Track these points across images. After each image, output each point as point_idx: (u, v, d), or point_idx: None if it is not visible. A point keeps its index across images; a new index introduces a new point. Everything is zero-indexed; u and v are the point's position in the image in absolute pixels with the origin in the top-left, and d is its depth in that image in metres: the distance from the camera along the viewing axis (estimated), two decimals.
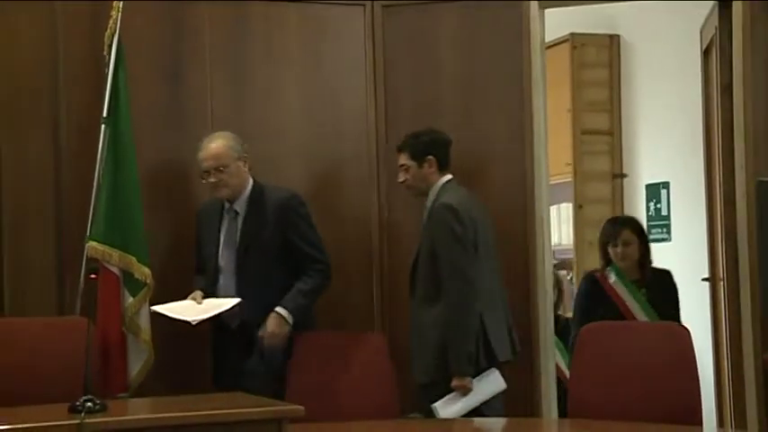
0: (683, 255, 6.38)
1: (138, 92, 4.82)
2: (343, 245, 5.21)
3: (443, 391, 4.26)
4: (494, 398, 4.32)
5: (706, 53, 5.70)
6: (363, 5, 5.37)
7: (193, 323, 4.23)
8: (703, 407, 4.02)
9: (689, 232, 6.23)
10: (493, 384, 4.34)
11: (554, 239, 6.17)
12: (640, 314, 4.89)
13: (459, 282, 4.32)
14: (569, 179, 7.27)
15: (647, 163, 7.22)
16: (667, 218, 6.93)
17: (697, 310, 5.57)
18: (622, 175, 7.33)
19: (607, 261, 5.13)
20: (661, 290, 5.03)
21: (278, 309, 4.37)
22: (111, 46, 4.67)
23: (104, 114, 4.62)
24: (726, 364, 5.29)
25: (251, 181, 4.58)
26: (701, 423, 3.93)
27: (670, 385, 3.91)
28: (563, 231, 7.47)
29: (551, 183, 5.64)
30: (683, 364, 3.96)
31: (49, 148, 4.83)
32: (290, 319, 4.36)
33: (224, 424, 3.28)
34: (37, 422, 3.13)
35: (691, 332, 4.11)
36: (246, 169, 4.54)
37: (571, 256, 7.22)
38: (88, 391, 3.24)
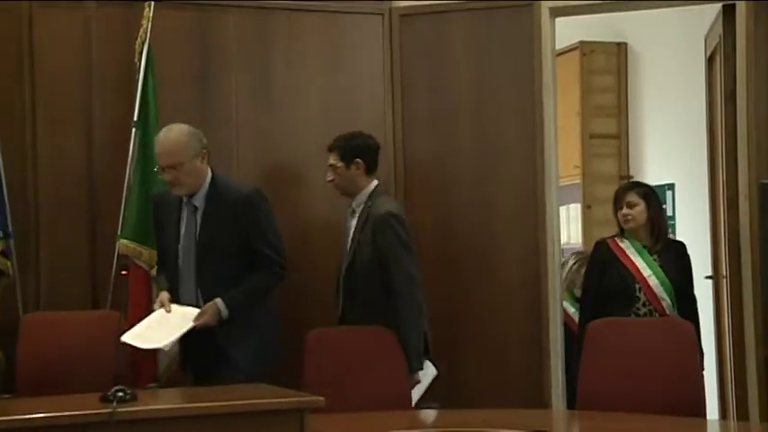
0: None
1: (166, 95, 4.84)
2: None
3: None
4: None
5: (710, 60, 5.69)
6: (381, 14, 5.38)
7: (165, 349, 4.04)
8: (706, 399, 4.01)
9: (693, 232, 6.20)
10: (430, 373, 4.43)
11: (563, 238, 6.14)
12: (652, 278, 4.77)
13: (411, 286, 4.36)
14: (578, 181, 7.26)
15: (652, 165, 7.20)
16: (672, 218, 6.90)
17: (701, 307, 5.54)
18: (629, 177, 7.30)
19: (621, 229, 5.01)
20: (674, 257, 4.85)
21: (218, 301, 4.03)
22: (141, 53, 4.71)
23: (135, 118, 4.66)
24: (728, 357, 5.28)
25: (209, 175, 4.18)
26: (704, 414, 3.92)
27: (675, 378, 3.90)
28: (572, 230, 7.45)
29: (561, 184, 5.64)
30: (688, 357, 3.95)
31: (82, 150, 4.86)
32: (225, 314, 4.02)
33: (250, 414, 3.27)
34: (70, 410, 3.13)
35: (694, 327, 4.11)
36: (205, 164, 4.15)
37: None
38: (119, 381, 3.24)
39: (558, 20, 5.37)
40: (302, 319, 4.68)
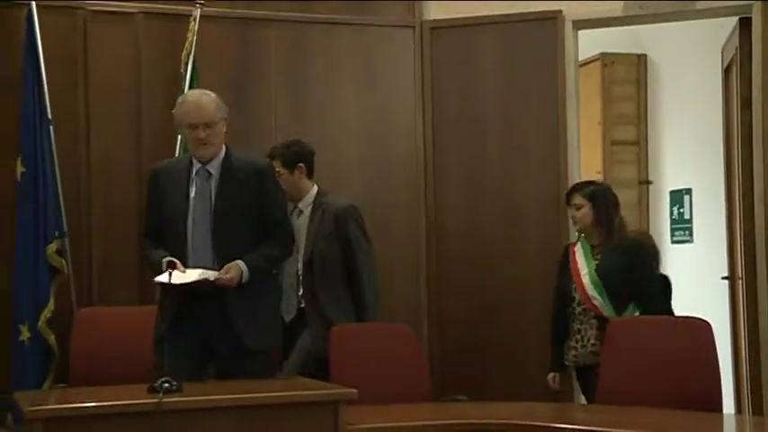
0: (704, 255, 6.32)
1: None
2: (394, 245, 5.25)
3: None
4: None
5: (727, 71, 5.65)
6: (413, 27, 5.39)
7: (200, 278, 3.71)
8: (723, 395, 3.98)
9: (710, 234, 6.16)
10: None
11: None
12: (586, 276, 4.55)
13: (372, 277, 4.44)
14: None
15: (671, 171, 7.15)
16: (690, 221, 6.86)
17: (717, 306, 5.51)
18: (648, 182, 7.27)
19: None
20: (618, 256, 4.58)
21: (240, 263, 3.78)
22: (187, 64, 4.75)
23: None
24: (744, 355, 5.23)
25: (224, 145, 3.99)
26: (721, 410, 3.88)
27: (692, 375, 3.87)
28: None
29: None
30: (705, 355, 3.91)
31: (132, 155, 4.91)
32: (246, 277, 3.77)
33: (288, 405, 3.28)
34: (119, 400, 3.15)
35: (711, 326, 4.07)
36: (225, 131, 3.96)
37: None
38: (166, 373, 3.26)
39: (580, 32, 5.37)
40: None
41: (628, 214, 6.86)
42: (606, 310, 4.47)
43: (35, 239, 4.49)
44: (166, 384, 3.18)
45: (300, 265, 4.42)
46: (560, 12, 5.27)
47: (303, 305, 4.43)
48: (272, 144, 4.98)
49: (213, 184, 3.85)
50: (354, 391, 3.32)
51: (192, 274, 3.69)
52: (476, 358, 5.17)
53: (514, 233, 5.27)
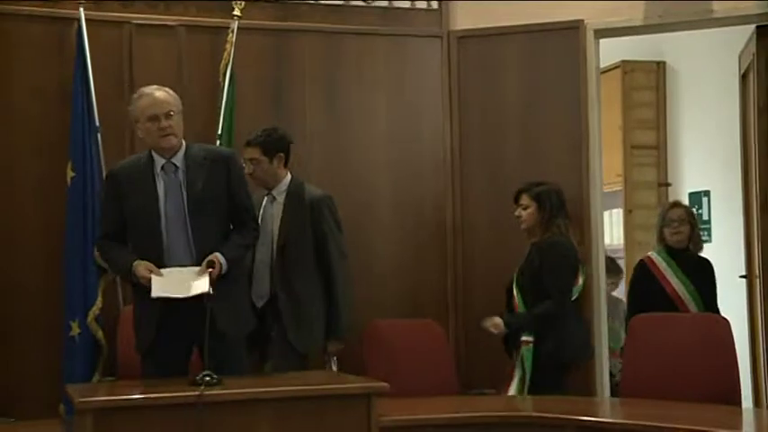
0: (722, 255, 6.24)
1: (246, 110, 4.91)
2: (422, 245, 5.26)
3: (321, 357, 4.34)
4: None
5: (744, 77, 5.61)
6: (440, 37, 5.39)
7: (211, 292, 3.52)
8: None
9: (728, 235, 6.11)
10: None
11: (606, 240, 6.08)
12: (515, 276, 4.69)
13: (344, 262, 4.38)
14: (620, 188, 7.19)
15: (689, 173, 7.11)
16: (708, 222, 6.81)
17: (735, 304, 5.47)
18: (667, 185, 7.23)
19: None
20: (540, 255, 4.62)
21: (218, 255, 3.63)
22: (225, 74, 4.78)
23: (218, 131, 4.72)
24: (761, 351, 5.18)
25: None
26: (739, 403, 3.86)
27: (712, 370, 3.85)
28: (614, 233, 7.37)
29: (604, 191, 5.59)
30: (724, 351, 3.89)
31: None
32: (225, 269, 3.63)
33: (323, 397, 3.30)
34: (164, 393, 3.18)
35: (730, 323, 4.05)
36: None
37: (621, 254, 7.13)
38: (207, 367, 3.28)
39: (601, 41, 5.34)
40: (371, 308, 4.73)
41: (648, 215, 6.87)
42: (520, 307, 4.57)
43: (84, 241, 4.52)
44: (207, 378, 3.21)
45: (273, 252, 4.27)
46: (582, 21, 5.24)
47: (276, 291, 4.24)
48: (306, 149, 5.04)
49: (181, 176, 3.71)
50: (386, 384, 3.34)
51: (180, 280, 3.54)
52: (501, 353, 5.14)
53: None
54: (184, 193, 3.68)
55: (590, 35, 5.25)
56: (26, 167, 4.69)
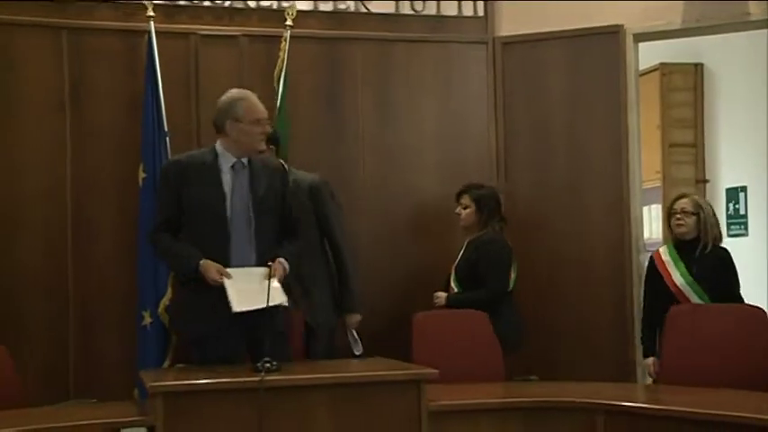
0: (758, 247, 6.18)
1: (303, 114, 4.93)
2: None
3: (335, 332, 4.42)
4: None
5: None
6: (486, 43, 5.36)
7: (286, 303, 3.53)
8: None
9: (764, 228, 6.01)
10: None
11: (645, 234, 6.00)
12: (452, 275, 4.71)
13: (347, 238, 4.45)
14: (659, 184, 7.11)
15: (726, 170, 7.00)
16: (745, 216, 6.70)
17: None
18: (705, 181, 7.13)
19: None
20: (474, 250, 4.62)
21: (283, 261, 3.60)
22: (279, 80, 4.79)
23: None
24: None
25: None
26: None
27: (748, 358, 3.77)
28: (653, 227, 7.29)
29: (644, 187, 5.54)
30: (760, 339, 3.81)
31: None
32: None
33: (376, 383, 3.30)
34: (227, 378, 3.20)
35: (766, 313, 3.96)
36: None
37: None
38: (267, 355, 3.29)
39: (640, 44, 5.28)
40: (420, 301, 4.72)
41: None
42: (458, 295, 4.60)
43: None
44: (268, 365, 3.22)
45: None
46: (622, 26, 5.19)
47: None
48: (359, 151, 5.06)
49: (247, 177, 3.65)
50: (436, 371, 3.32)
51: (254, 290, 3.43)
52: (545, 341, 5.12)
53: (580, 228, 5.21)
54: (250, 193, 3.63)
55: (629, 39, 5.20)
56: (104, 169, 4.77)
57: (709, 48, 6.92)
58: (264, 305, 3.40)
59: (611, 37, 5.20)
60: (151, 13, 4.70)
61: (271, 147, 4.23)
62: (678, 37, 5.45)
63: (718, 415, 3.08)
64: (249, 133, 3.64)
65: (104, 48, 4.81)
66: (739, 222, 6.76)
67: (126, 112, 4.78)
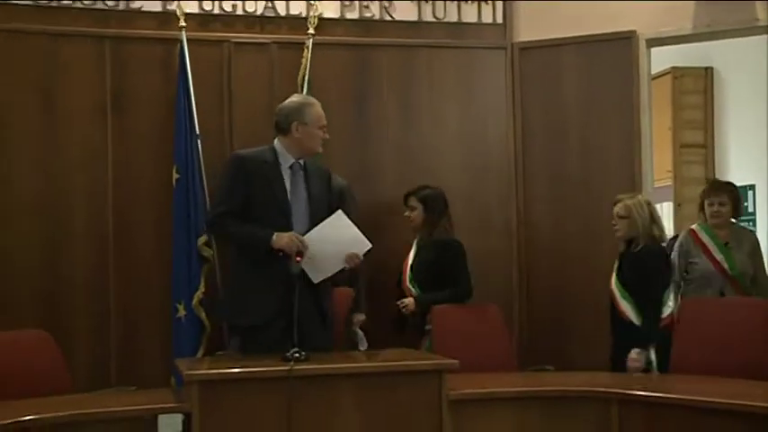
0: (766, 243, 6.07)
1: (331, 118, 4.82)
2: (490, 236, 5.20)
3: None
4: None
5: None
6: (505, 48, 5.32)
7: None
8: None
9: None
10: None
11: None
12: (408, 274, 4.57)
13: None
14: (670, 183, 7.07)
15: (735, 169, 6.92)
16: (753, 213, 6.64)
17: None
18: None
19: None
20: (426, 251, 4.52)
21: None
22: (302, 85, 4.79)
23: None
24: None
25: None
26: None
27: (755, 348, 3.71)
28: (665, 225, 7.24)
29: (656, 186, 5.52)
30: (766, 330, 3.75)
31: None
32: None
33: (399, 373, 3.29)
34: (258, 368, 3.20)
35: None
36: None
37: None
38: (297, 345, 3.28)
39: (653, 49, 5.22)
40: None
41: (696, 209, 6.70)
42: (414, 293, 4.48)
43: (188, 233, 4.58)
44: (297, 355, 3.22)
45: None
46: (635, 32, 5.13)
47: None
48: (385, 152, 5.05)
49: (303, 177, 3.69)
50: (456, 361, 3.31)
51: (322, 249, 3.48)
52: (559, 333, 5.09)
53: (593, 226, 5.13)
54: (308, 192, 3.67)
55: (642, 44, 5.13)
56: (143, 170, 4.78)
57: (719, 52, 6.85)
58: (340, 265, 3.54)
59: (624, 42, 5.13)
60: (183, 24, 4.71)
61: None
62: (689, 42, 5.38)
63: (727, 404, 3.05)
64: (314, 137, 3.67)
65: (144, 55, 4.82)
66: (748, 219, 6.68)
67: (163, 116, 4.77)
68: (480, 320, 4.33)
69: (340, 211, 3.59)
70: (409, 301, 4.46)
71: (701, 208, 4.67)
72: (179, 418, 3.07)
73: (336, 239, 3.56)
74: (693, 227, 4.65)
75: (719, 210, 4.53)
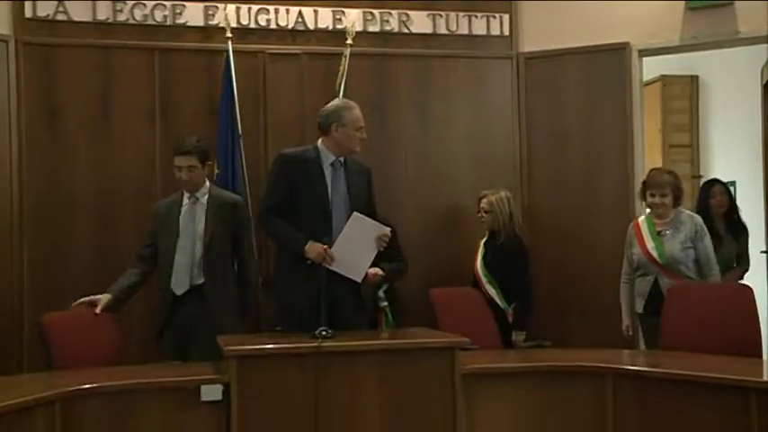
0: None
1: None
2: None
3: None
4: None
5: (766, 87, 5.33)
6: (511, 58, 5.27)
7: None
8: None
9: (752, 217, 5.81)
10: None
11: None
12: None
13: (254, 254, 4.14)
14: None
15: (718, 167, 6.85)
16: (735, 208, 6.53)
17: (758, 276, 5.22)
18: (699, 176, 7.00)
19: None
20: None
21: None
22: (339, 91, 4.75)
23: None
24: None
25: None
26: (761, 356, 3.66)
27: (737, 328, 3.65)
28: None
29: None
30: (748, 312, 3.68)
31: None
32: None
33: (416, 349, 3.25)
34: (290, 344, 3.19)
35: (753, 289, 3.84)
36: None
37: None
38: (324, 324, 3.26)
39: (644, 59, 5.17)
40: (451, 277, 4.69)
41: (684, 202, 6.62)
42: None
43: None
44: (324, 333, 3.20)
45: (200, 247, 3.77)
46: (628, 43, 5.08)
47: (202, 282, 3.75)
48: (403, 152, 5.00)
49: (344, 174, 3.62)
50: (467, 339, 3.27)
51: (351, 250, 3.42)
52: (561, 313, 5.05)
53: (591, 216, 5.12)
54: (348, 189, 3.59)
55: (635, 55, 5.09)
56: None
57: (703, 62, 6.78)
58: (374, 252, 3.46)
59: (618, 53, 5.09)
60: (229, 35, 4.70)
61: (208, 162, 3.92)
62: (676, 53, 5.33)
63: (710, 377, 3.03)
64: (351, 138, 3.59)
65: (188, 65, 4.82)
66: None
67: (205, 119, 4.77)
68: (467, 303, 4.32)
69: (355, 213, 3.49)
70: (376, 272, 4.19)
71: (643, 197, 4.34)
72: (219, 388, 3.06)
73: (360, 236, 3.47)
74: (639, 218, 4.37)
75: (661, 200, 4.20)
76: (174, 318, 3.77)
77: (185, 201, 3.85)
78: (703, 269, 4.19)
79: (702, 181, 6.95)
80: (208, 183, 3.90)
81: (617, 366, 3.33)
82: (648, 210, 4.35)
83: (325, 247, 3.43)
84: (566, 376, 3.34)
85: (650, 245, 4.20)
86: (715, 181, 5.39)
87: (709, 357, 3.44)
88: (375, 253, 3.51)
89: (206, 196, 3.85)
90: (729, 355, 3.46)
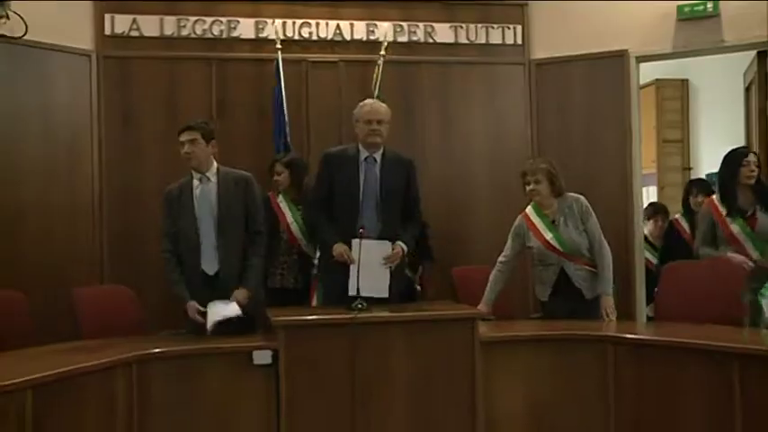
0: None
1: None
2: (510, 219, 4.98)
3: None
4: None
5: (747, 90, 5.25)
6: (524, 64, 5.16)
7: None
8: None
9: None
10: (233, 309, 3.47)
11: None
12: (293, 224, 4.14)
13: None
14: (655, 171, 6.88)
15: (706, 160, 6.69)
16: None
17: None
18: (689, 168, 6.89)
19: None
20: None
21: (402, 245, 3.48)
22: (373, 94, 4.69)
23: None
24: None
25: None
26: (743, 324, 3.54)
27: (723, 300, 3.54)
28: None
29: (643, 173, 5.29)
30: (732, 286, 3.57)
31: None
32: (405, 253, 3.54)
33: (440, 321, 3.20)
34: (329, 315, 3.16)
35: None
36: None
37: None
38: (359, 297, 3.22)
39: (641, 64, 5.05)
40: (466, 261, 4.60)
41: (675, 191, 6.51)
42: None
43: None
44: (359, 305, 3.16)
45: (216, 225, 3.47)
46: (626, 50, 4.97)
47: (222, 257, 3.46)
48: (426, 150, 4.93)
49: (378, 169, 3.52)
50: (485, 311, 3.21)
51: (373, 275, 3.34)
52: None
53: (594, 204, 4.76)
54: (379, 183, 3.50)
55: (632, 61, 4.97)
56: (243, 161, 4.67)
57: (693, 67, 6.64)
58: (387, 269, 3.40)
59: (618, 59, 4.98)
60: (279, 46, 4.68)
61: (213, 141, 3.55)
62: (669, 59, 5.20)
63: (700, 344, 2.96)
64: (363, 131, 3.52)
65: (241, 73, 4.78)
66: None
67: (255, 120, 4.74)
68: (477, 281, 4.15)
69: (353, 240, 3.34)
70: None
71: (524, 187, 3.81)
72: (269, 353, 3.04)
73: (370, 258, 3.36)
74: (527, 210, 3.81)
75: (535, 186, 3.72)
76: (213, 295, 3.38)
77: (195, 182, 3.51)
78: (594, 248, 3.70)
79: (692, 172, 6.86)
80: (215, 163, 3.56)
81: (617, 335, 3.27)
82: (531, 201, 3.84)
83: (345, 248, 3.40)
84: (572, 343, 3.28)
85: (548, 236, 3.67)
86: (699, 180, 5.26)
87: (699, 327, 3.35)
88: (388, 272, 3.41)
89: (215, 175, 3.53)
90: (717, 324, 3.36)
